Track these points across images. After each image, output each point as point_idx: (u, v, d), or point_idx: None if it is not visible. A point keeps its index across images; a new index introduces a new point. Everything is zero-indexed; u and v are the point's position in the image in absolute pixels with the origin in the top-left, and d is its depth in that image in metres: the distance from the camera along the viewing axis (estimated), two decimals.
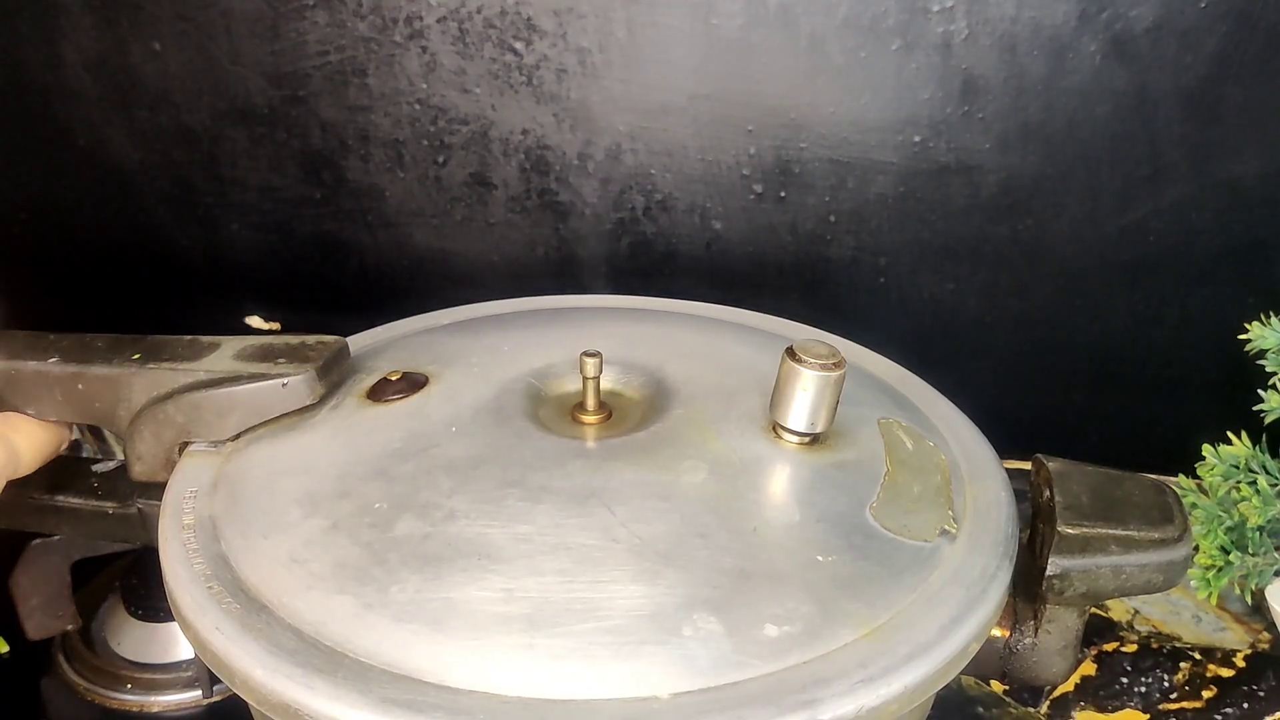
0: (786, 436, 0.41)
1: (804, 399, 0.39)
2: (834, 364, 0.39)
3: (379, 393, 0.43)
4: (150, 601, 0.55)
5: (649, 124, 0.62)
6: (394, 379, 0.44)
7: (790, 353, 0.39)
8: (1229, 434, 0.55)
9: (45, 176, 0.69)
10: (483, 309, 0.54)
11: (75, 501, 0.46)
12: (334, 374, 0.44)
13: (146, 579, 0.56)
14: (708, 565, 0.35)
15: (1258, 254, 0.60)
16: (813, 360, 0.39)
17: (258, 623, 0.34)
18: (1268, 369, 0.54)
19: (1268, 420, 0.54)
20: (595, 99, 0.61)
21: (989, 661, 0.40)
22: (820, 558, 0.36)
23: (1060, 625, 0.40)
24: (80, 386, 0.43)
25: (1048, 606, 0.39)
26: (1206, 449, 0.55)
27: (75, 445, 0.71)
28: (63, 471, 0.46)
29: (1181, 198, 0.59)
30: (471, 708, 0.31)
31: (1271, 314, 0.54)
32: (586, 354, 0.41)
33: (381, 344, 0.49)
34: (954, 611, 0.35)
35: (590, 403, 0.42)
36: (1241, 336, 0.54)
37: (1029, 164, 0.59)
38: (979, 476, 0.42)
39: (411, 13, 0.60)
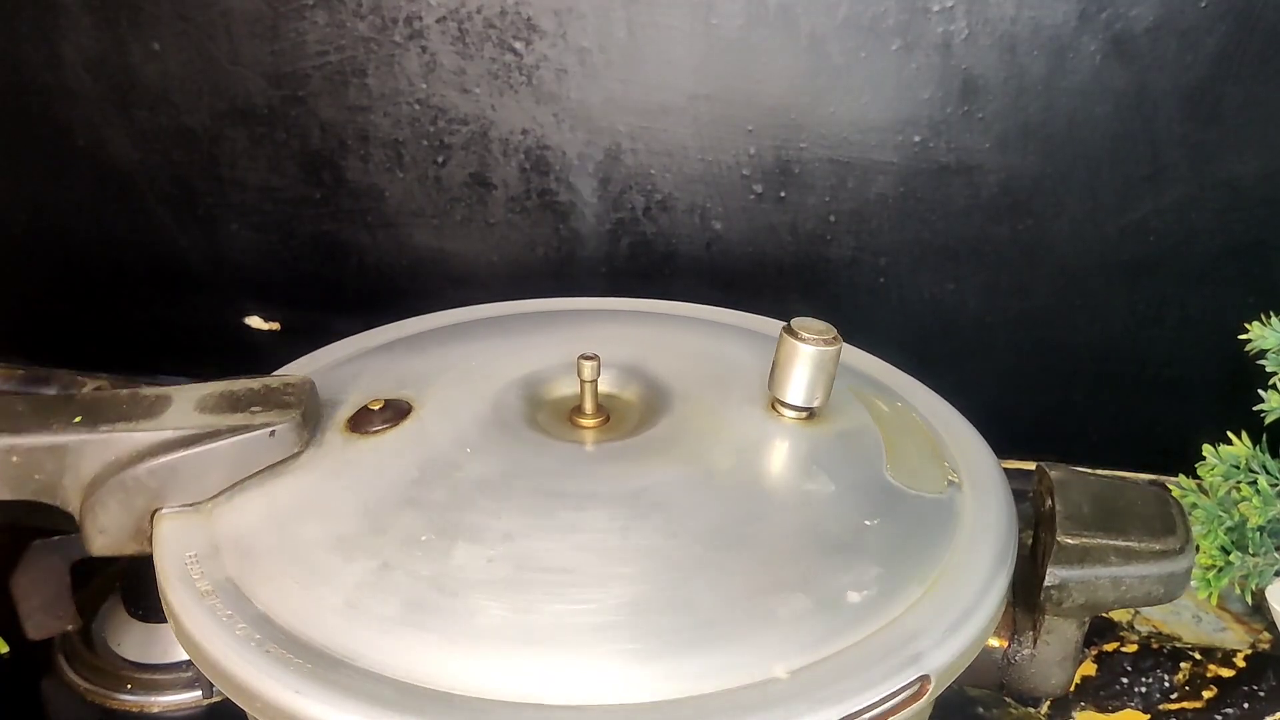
0: (786, 413, 0.42)
1: (803, 374, 0.41)
2: (831, 339, 0.41)
3: (362, 424, 0.41)
4: (150, 602, 0.55)
5: (649, 124, 0.62)
6: (375, 408, 0.42)
7: (789, 330, 0.41)
8: (1229, 434, 0.55)
9: (45, 176, 0.69)
10: (415, 325, 0.52)
11: None
12: (313, 415, 0.41)
13: (147, 580, 0.56)
14: (771, 546, 0.36)
15: (1258, 254, 0.60)
16: (811, 336, 0.40)
17: (341, 677, 0.32)
18: (1268, 369, 0.54)
19: (1268, 420, 0.54)
20: (595, 99, 0.61)
21: (987, 672, 0.40)
22: (867, 522, 0.38)
23: (1059, 636, 0.39)
24: (14, 460, 0.38)
25: (1046, 617, 0.39)
26: (1207, 449, 0.55)
27: None
28: None
29: (1182, 198, 0.59)
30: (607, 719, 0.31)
31: (1271, 314, 0.54)
32: (584, 357, 0.41)
33: (329, 368, 0.47)
34: (995, 552, 0.38)
35: (589, 406, 0.42)
36: (1241, 336, 0.54)
37: (1029, 164, 0.59)
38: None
39: (411, 13, 0.60)
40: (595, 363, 0.41)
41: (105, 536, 0.39)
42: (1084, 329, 0.64)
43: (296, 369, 0.47)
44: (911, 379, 0.49)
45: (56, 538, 0.47)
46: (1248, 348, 0.54)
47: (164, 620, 0.54)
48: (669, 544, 0.36)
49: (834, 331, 0.41)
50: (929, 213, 0.62)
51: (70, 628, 0.52)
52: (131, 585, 0.56)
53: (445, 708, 0.31)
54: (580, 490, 0.38)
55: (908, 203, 0.62)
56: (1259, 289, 0.60)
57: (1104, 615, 0.59)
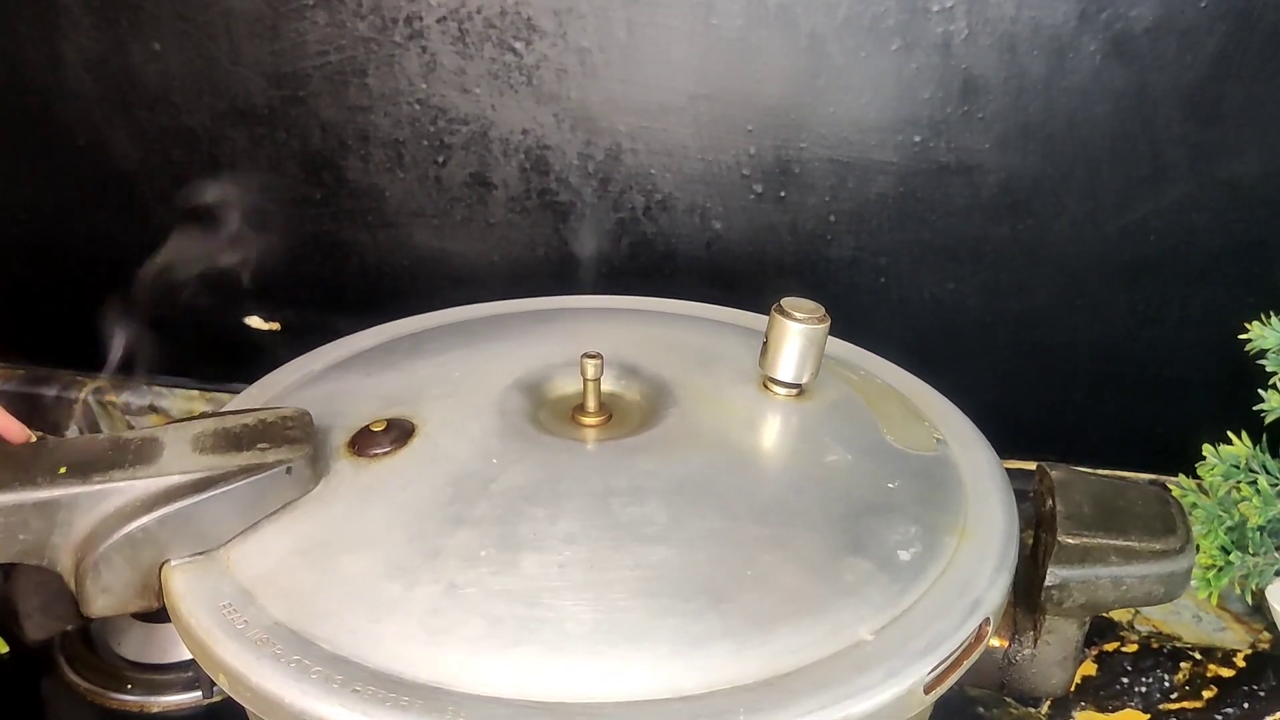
0: (779, 390, 0.44)
1: (793, 351, 0.43)
2: (820, 317, 0.42)
3: (367, 448, 0.40)
4: None
5: (649, 124, 0.62)
6: (378, 430, 0.40)
7: (780, 309, 0.42)
8: (1229, 434, 0.55)
9: (45, 176, 0.69)
10: (371, 336, 0.51)
11: None
12: (320, 447, 0.39)
13: None
14: (818, 517, 0.38)
15: (1258, 254, 0.60)
16: (801, 315, 0.42)
17: (449, 705, 0.31)
18: (1268, 369, 0.54)
19: (1268, 420, 0.54)
20: (595, 99, 0.61)
21: (988, 672, 0.41)
22: (890, 485, 0.40)
23: (1060, 636, 0.40)
24: None
25: (1047, 617, 0.39)
26: (1207, 449, 0.55)
27: None
28: None
29: (1181, 197, 0.59)
30: (732, 706, 0.31)
31: (1271, 314, 0.54)
32: (587, 356, 0.42)
33: (297, 389, 0.46)
34: (1002, 496, 0.41)
35: (592, 404, 0.42)
36: (1241, 336, 0.54)
37: (1029, 164, 0.59)
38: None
39: (411, 13, 0.60)
40: (599, 361, 0.42)
41: (109, 595, 0.36)
42: (1084, 329, 0.64)
43: (263, 391, 0.46)
44: (846, 344, 0.51)
45: None
46: (1248, 348, 0.54)
47: (164, 620, 0.54)
48: (729, 526, 0.37)
49: (822, 310, 0.43)
50: (929, 212, 0.62)
51: (70, 628, 0.52)
52: None
53: (564, 716, 0.31)
54: (627, 485, 0.38)
55: (908, 203, 0.62)
56: (1259, 289, 0.60)
57: (1104, 615, 0.59)
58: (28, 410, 0.73)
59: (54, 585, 0.49)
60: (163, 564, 0.36)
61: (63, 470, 0.36)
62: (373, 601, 0.34)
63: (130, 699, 0.53)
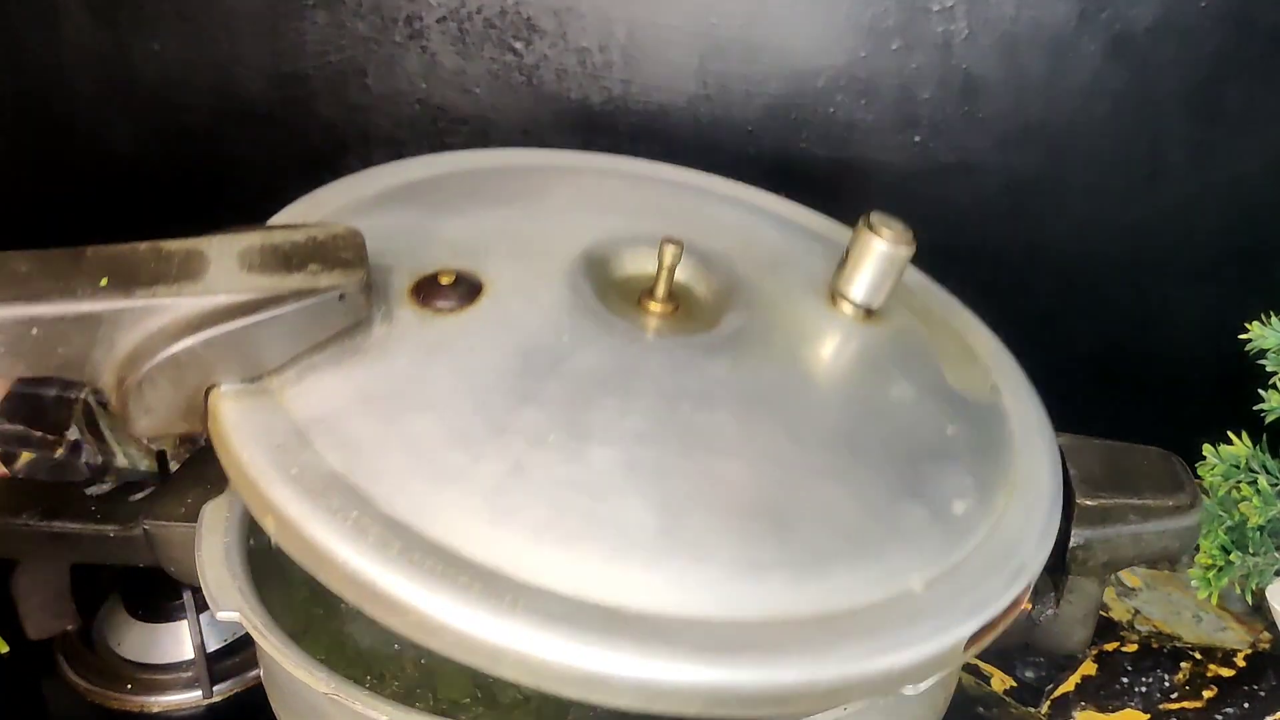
0: (847, 308, 0.41)
1: (871, 271, 0.40)
2: (907, 241, 0.40)
3: (432, 299, 0.37)
4: (151, 601, 0.55)
5: (649, 124, 0.62)
6: (446, 282, 0.37)
7: (868, 222, 0.39)
8: (1229, 434, 0.55)
9: (45, 176, 0.69)
10: (444, 165, 0.48)
11: (73, 526, 0.42)
12: (370, 275, 0.36)
13: (147, 579, 0.55)
14: (881, 454, 0.37)
15: (1258, 254, 0.60)
16: (888, 233, 0.39)
17: (508, 593, 0.29)
18: (1268, 369, 0.54)
19: (1268, 420, 0.54)
20: (595, 99, 0.61)
21: (1014, 634, 0.40)
22: (949, 430, 0.39)
23: (1081, 594, 0.41)
24: (34, 333, 0.33)
25: (1069, 577, 0.40)
26: (1207, 449, 0.55)
27: (75, 447, 0.71)
28: (56, 494, 0.43)
29: (1181, 198, 0.59)
30: (784, 639, 0.31)
31: (1271, 314, 0.54)
32: (668, 241, 0.38)
33: (349, 216, 0.41)
34: (1050, 457, 0.40)
35: (662, 292, 0.39)
36: (1242, 336, 0.54)
37: (1029, 164, 0.59)
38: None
39: (411, 13, 0.60)
40: (678, 249, 0.38)
41: (152, 416, 0.34)
42: (1084, 329, 0.64)
43: (311, 209, 0.42)
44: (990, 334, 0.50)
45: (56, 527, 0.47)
46: (1248, 348, 0.54)
47: (164, 620, 0.54)
48: (796, 450, 0.35)
49: (911, 234, 0.40)
50: (929, 212, 0.62)
51: (70, 628, 0.52)
52: (132, 585, 0.56)
53: (620, 623, 0.30)
54: (698, 389, 0.36)
55: (908, 203, 0.61)
56: (1259, 289, 0.60)
57: (1104, 615, 0.59)
58: (28, 410, 0.73)
59: (54, 585, 0.49)
60: (209, 389, 0.34)
61: (104, 282, 0.34)
62: (436, 468, 0.32)
63: (130, 699, 0.53)
